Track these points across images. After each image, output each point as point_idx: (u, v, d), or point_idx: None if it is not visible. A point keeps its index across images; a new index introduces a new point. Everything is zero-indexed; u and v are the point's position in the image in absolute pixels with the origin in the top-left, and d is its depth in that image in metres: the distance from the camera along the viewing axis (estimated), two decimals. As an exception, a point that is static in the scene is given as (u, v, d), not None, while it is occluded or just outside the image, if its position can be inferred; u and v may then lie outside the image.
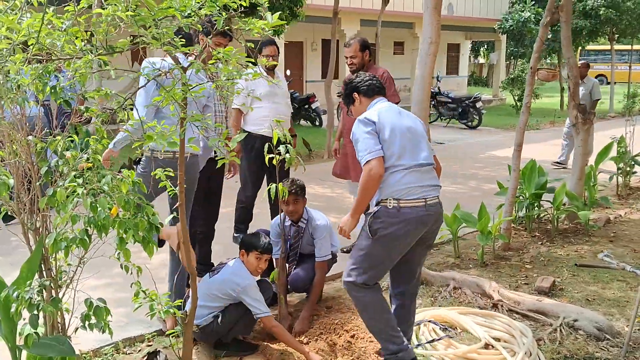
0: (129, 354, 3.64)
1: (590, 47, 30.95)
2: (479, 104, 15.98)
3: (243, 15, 2.60)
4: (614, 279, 4.74)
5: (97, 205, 2.37)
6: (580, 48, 22.72)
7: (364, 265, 3.16)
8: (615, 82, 20.84)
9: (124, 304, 4.01)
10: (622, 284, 4.65)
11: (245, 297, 3.51)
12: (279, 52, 5.26)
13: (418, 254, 3.33)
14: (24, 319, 2.76)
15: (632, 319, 3.50)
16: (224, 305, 3.57)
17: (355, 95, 3.36)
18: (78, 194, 2.37)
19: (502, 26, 20.45)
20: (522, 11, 19.55)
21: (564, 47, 6.39)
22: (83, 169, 2.52)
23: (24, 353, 2.83)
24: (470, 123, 16.09)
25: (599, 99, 9.93)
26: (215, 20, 2.50)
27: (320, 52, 21.30)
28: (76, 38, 2.50)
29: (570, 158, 8.68)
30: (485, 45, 35.29)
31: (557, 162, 10.01)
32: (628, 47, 29.86)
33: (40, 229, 2.82)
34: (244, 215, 5.39)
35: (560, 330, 3.82)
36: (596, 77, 35.75)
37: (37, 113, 2.86)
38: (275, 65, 5.14)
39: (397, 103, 4.95)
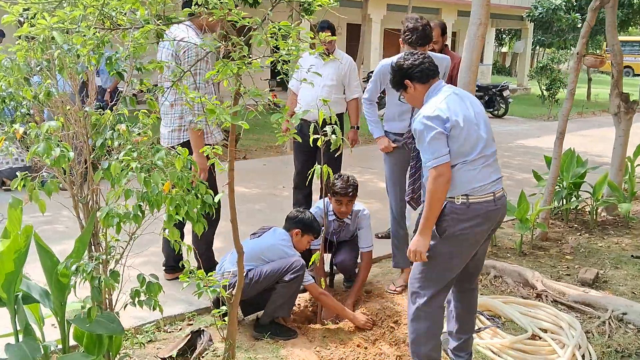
0: (169, 332, 3.60)
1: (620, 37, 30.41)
2: (505, 93, 15.74)
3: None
4: (660, 273, 4.63)
5: (151, 181, 2.31)
6: (605, 38, 22.33)
7: (435, 267, 2.93)
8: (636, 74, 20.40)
9: (161, 282, 3.98)
10: (669, 278, 4.53)
11: None
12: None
13: (483, 248, 3.11)
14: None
15: (688, 314, 3.40)
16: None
17: (408, 82, 3.00)
18: (132, 168, 2.31)
19: (531, 14, 20.07)
20: (553, -2, 19.15)
21: (608, 33, 6.21)
22: (137, 143, 2.47)
23: (72, 328, 2.80)
24: (496, 112, 15.87)
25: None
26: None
27: (345, 37, 21.08)
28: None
29: None
30: (509, 34, 34.78)
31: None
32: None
33: (90, 203, 2.77)
34: (294, 197, 5.34)
35: (609, 323, 3.72)
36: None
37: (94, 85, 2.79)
38: (328, 50, 5.01)
39: None
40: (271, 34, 2.57)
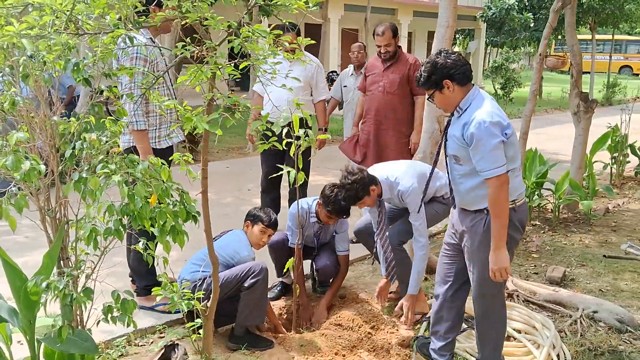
0: (141, 345, 3.48)
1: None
2: (463, 92, 15.93)
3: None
4: (625, 270, 4.73)
5: (134, 194, 2.20)
6: (554, 38, 22.90)
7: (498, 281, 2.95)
8: (585, 72, 20.95)
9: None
10: (634, 275, 4.63)
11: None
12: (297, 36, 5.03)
13: None
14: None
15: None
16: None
17: (448, 82, 2.81)
18: (114, 180, 2.20)
19: (485, 14, 20.42)
20: (506, -1, 19.54)
21: (567, 34, 6.34)
22: (114, 154, 2.36)
23: (42, 346, 2.67)
24: (453, 110, 16.08)
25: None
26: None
27: (303, 37, 20.98)
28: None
29: None
30: (462, 33, 35.34)
31: None
32: (604, 36, 30.38)
33: (57, 216, 2.64)
34: (262, 200, 5.27)
35: (581, 322, 3.77)
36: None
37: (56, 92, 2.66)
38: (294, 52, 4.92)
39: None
40: (244, 37, 2.50)
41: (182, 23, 2.40)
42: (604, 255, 4.92)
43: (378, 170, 3.80)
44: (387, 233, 3.77)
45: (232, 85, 15.78)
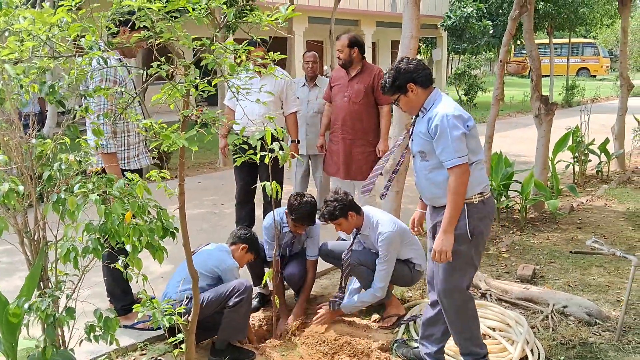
0: (123, 364, 3.49)
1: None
2: (428, 99, 16.22)
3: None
4: (592, 265, 4.90)
5: (111, 212, 2.23)
6: (513, 44, 23.48)
7: (466, 268, 3.07)
8: (545, 75, 21.56)
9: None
10: (600, 270, 4.81)
11: (225, 275, 3.58)
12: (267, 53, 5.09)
13: None
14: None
15: (625, 303, 3.61)
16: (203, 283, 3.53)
17: (412, 85, 2.99)
18: (92, 199, 2.23)
19: (445, 23, 20.84)
20: (465, 7, 19.95)
21: (526, 40, 6.55)
22: (92, 173, 2.39)
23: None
24: (419, 118, 16.35)
25: None
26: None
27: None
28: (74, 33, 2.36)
29: None
30: (424, 42, 35.93)
31: None
32: (561, 40, 31.17)
33: (36, 237, 2.65)
34: (237, 213, 5.27)
35: (552, 317, 3.90)
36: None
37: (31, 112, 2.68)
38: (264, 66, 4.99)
39: (389, 104, 5.00)
40: (217, 54, 2.57)
41: (156, 43, 2.45)
42: (571, 252, 5.08)
43: (367, 209, 3.98)
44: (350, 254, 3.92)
45: (199, 100, 15.75)
